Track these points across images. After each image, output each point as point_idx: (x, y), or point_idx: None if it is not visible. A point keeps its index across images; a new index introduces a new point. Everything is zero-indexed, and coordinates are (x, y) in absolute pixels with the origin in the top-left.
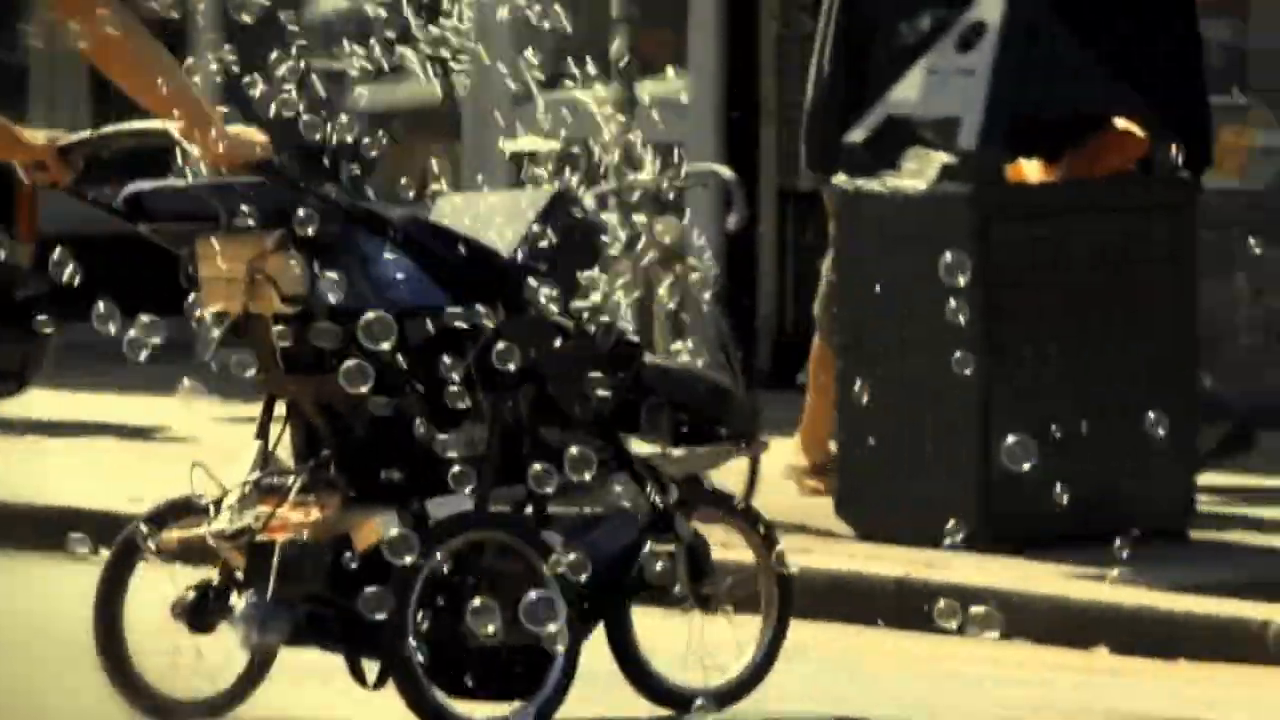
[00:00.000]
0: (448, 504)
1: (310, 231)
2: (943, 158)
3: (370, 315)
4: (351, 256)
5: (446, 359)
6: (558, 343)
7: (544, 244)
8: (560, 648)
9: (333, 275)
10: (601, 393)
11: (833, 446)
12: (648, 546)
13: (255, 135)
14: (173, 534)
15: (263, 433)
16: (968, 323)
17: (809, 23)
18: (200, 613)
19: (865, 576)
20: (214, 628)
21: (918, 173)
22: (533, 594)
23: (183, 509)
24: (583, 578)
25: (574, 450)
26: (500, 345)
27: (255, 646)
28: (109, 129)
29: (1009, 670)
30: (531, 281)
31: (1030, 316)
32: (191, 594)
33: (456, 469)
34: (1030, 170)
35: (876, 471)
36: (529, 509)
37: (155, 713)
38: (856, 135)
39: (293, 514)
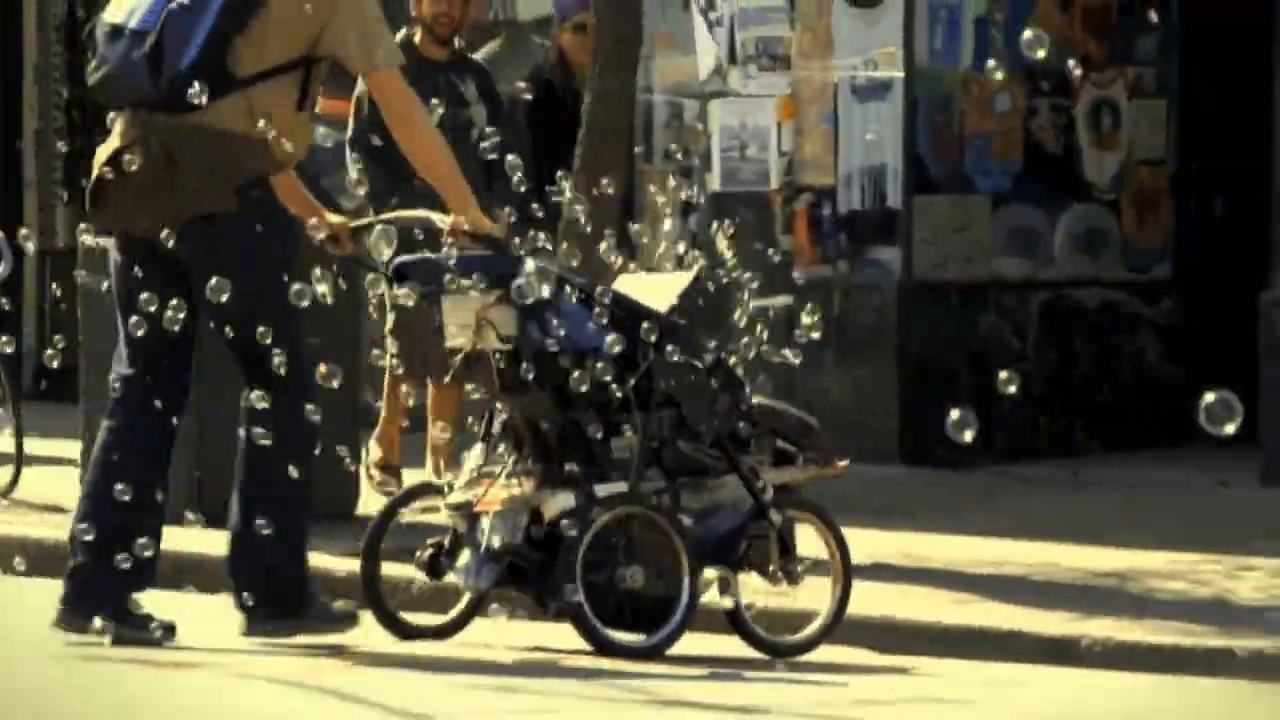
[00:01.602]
0: (609, 488)
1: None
2: None
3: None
4: (550, 309)
5: (613, 385)
6: (691, 378)
7: (686, 307)
8: (684, 597)
9: (536, 323)
10: (721, 417)
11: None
12: (750, 530)
13: (488, 222)
14: (418, 506)
15: (486, 435)
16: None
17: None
18: (435, 564)
19: None
20: (444, 575)
21: None
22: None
23: (424, 490)
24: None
25: (700, 455)
26: (650, 377)
27: (472, 589)
28: (387, 215)
29: None
30: (674, 333)
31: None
32: (429, 550)
33: (616, 463)
34: None
35: None
36: (667, 496)
37: (403, 634)
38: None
39: (500, 492)
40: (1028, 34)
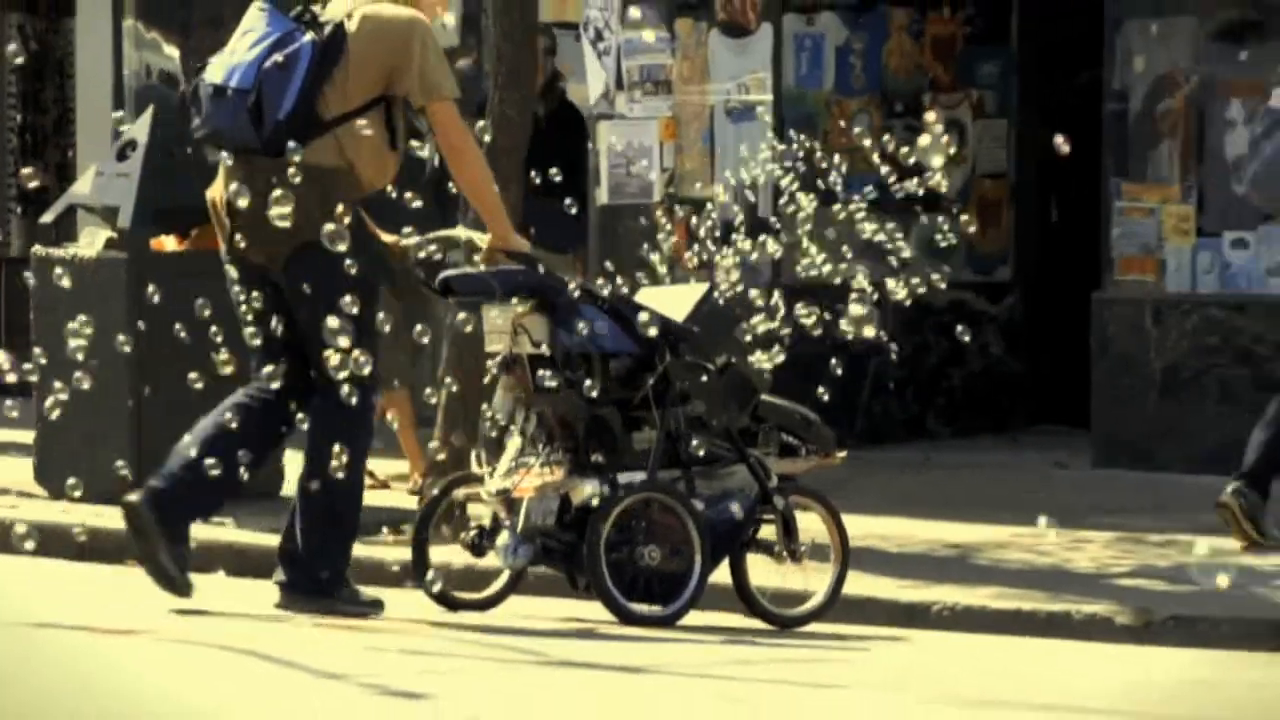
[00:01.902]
0: (630, 476)
1: (548, 297)
2: (109, 233)
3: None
4: (577, 317)
5: (634, 384)
6: (704, 379)
7: (698, 317)
8: (696, 573)
9: (565, 329)
10: (730, 413)
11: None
12: (756, 514)
13: (523, 241)
14: (461, 493)
15: (522, 430)
16: (129, 353)
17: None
18: (478, 544)
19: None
20: (485, 554)
21: (90, 244)
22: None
23: (465, 480)
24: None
25: (711, 447)
26: (667, 378)
27: (511, 566)
28: (433, 234)
29: None
30: (688, 339)
31: (176, 347)
32: (473, 532)
33: (637, 454)
34: (169, 243)
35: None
36: (682, 483)
37: (451, 606)
38: (47, 217)
39: (535, 480)
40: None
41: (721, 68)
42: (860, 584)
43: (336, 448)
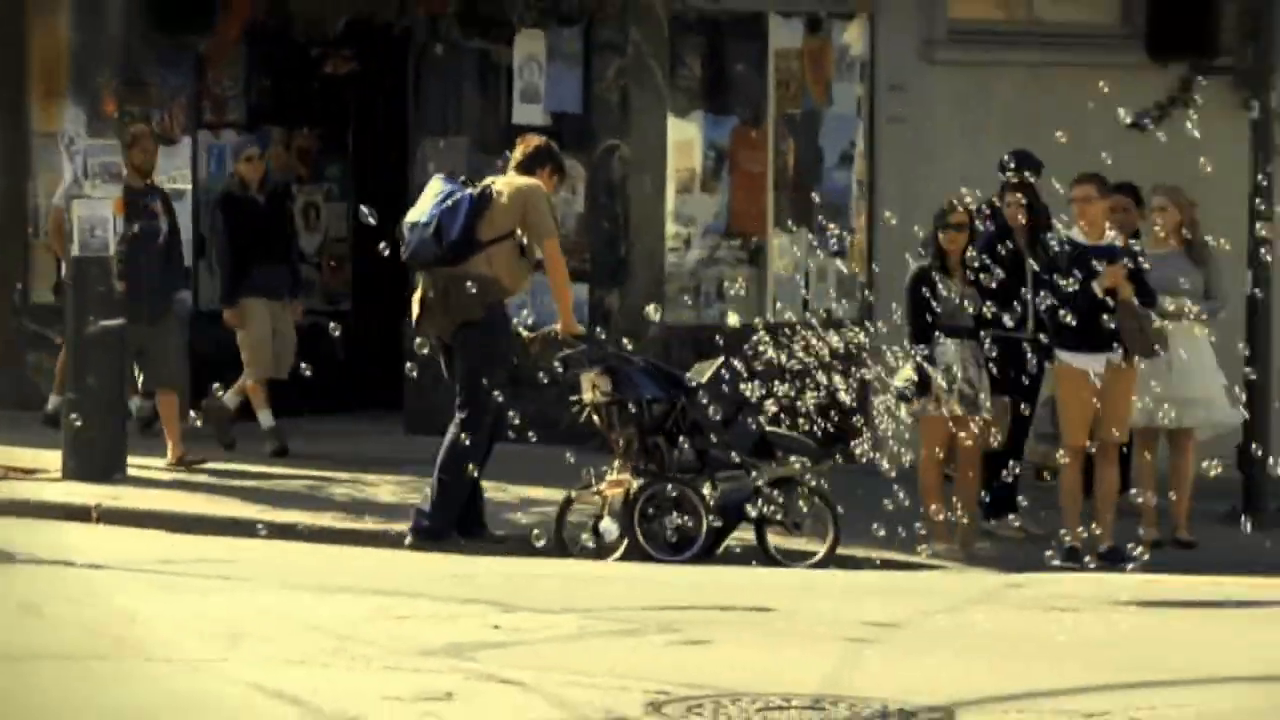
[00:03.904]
0: (665, 477)
1: (610, 365)
2: None
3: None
4: (626, 373)
5: (668, 418)
6: (708, 414)
7: (704, 378)
8: (701, 536)
9: (618, 383)
10: (733, 437)
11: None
12: (755, 500)
13: (579, 327)
14: (583, 494)
15: (615, 453)
16: None
17: None
18: (596, 529)
19: None
20: (601, 535)
21: None
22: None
23: (585, 488)
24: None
25: (725, 457)
26: (686, 412)
27: (610, 539)
28: (540, 331)
29: None
30: (700, 392)
31: None
32: (591, 520)
33: (674, 462)
34: None
35: None
36: (700, 480)
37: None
38: None
39: (619, 480)
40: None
41: (160, 164)
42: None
43: (448, 454)
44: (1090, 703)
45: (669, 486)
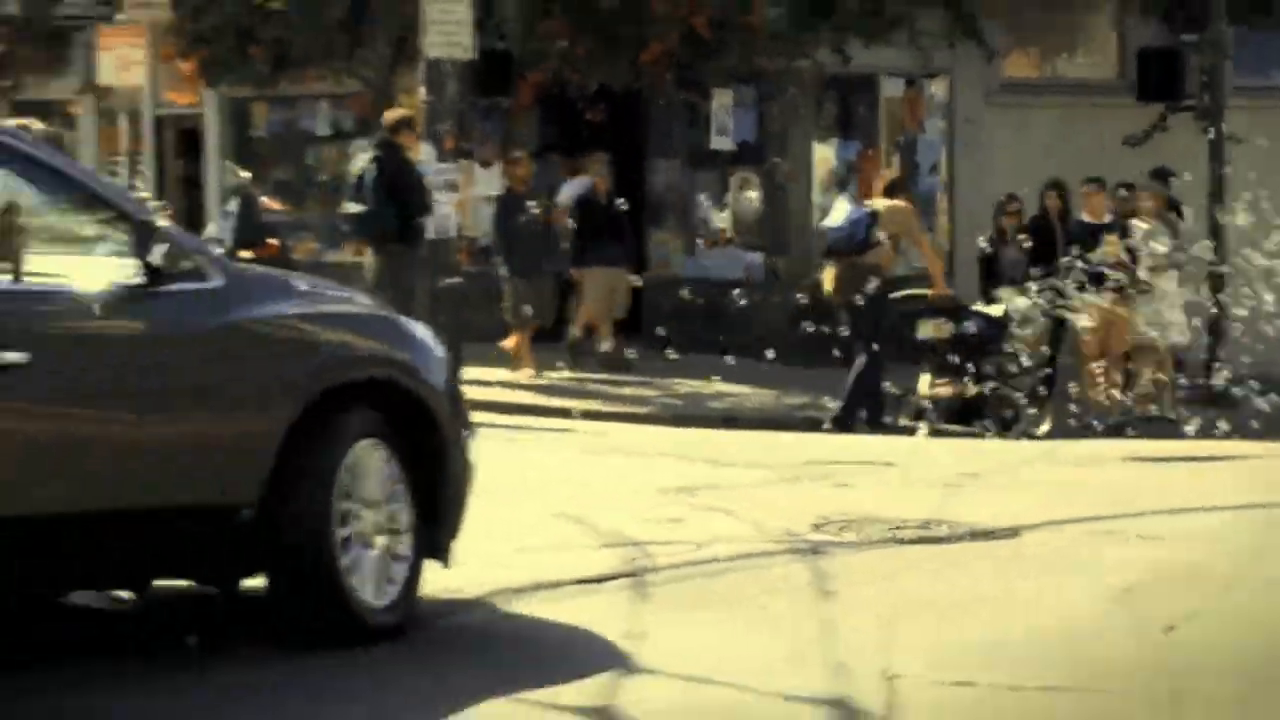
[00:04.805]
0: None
1: (953, 310)
2: None
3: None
4: (964, 319)
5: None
6: (993, 344)
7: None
8: (1010, 418)
9: (960, 325)
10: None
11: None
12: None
13: (947, 290)
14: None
15: (942, 368)
16: None
17: None
18: (920, 414)
19: None
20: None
21: None
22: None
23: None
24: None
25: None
26: (990, 340)
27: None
28: (911, 291)
29: None
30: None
31: None
32: (920, 408)
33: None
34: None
35: None
36: (989, 381)
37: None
38: None
39: (943, 383)
40: None
41: None
42: None
43: (859, 374)
44: (1111, 525)
45: (988, 385)
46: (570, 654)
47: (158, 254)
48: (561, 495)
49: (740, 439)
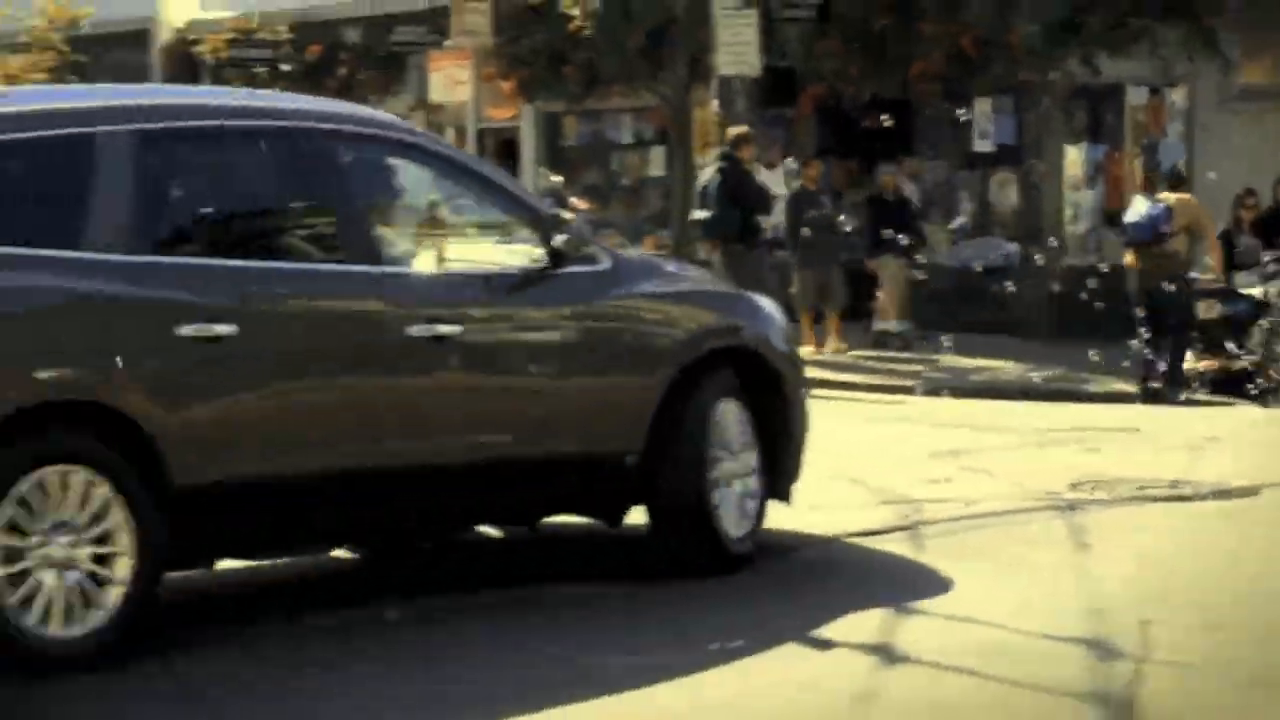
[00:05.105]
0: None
1: (1220, 292)
2: None
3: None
4: (1229, 296)
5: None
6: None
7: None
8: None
9: (1229, 305)
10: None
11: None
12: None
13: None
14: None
15: (1212, 343)
16: None
17: None
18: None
19: None
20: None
21: None
22: None
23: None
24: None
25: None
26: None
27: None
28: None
29: None
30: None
31: None
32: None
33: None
34: None
35: None
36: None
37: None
38: None
39: (1213, 355)
40: None
41: None
42: None
43: (1175, 345)
44: None
45: (1250, 359)
46: (862, 589)
47: (559, 241)
48: (847, 458)
49: (999, 408)
